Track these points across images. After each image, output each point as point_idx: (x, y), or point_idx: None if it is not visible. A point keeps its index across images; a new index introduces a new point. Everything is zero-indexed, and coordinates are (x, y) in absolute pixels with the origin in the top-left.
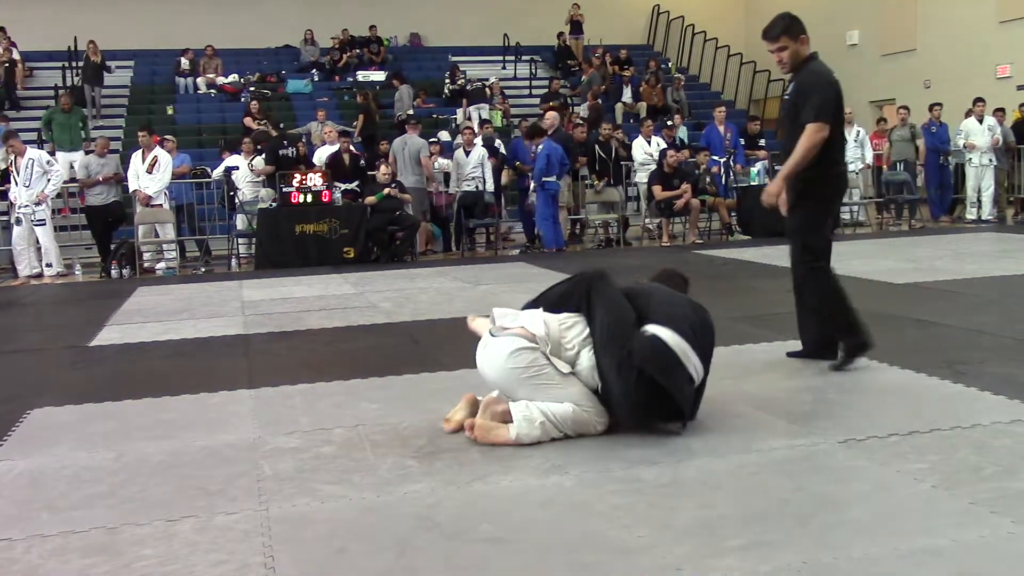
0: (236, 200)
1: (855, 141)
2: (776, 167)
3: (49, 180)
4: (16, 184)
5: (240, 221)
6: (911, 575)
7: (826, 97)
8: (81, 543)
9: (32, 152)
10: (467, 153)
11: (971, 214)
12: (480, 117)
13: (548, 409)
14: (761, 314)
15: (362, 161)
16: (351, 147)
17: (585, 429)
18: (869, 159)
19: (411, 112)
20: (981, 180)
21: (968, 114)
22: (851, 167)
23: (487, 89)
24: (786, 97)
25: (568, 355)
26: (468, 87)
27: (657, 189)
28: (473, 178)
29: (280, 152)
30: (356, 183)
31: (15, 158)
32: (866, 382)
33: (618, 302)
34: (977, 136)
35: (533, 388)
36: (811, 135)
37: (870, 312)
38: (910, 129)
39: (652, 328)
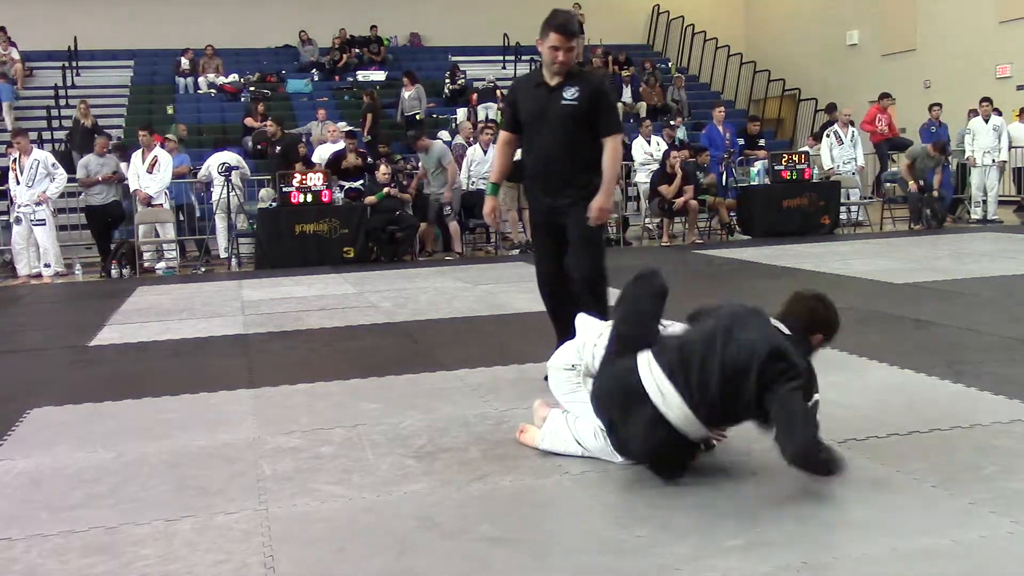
0: (236, 199)
1: (850, 142)
2: (776, 166)
3: (52, 180)
4: (18, 183)
5: (240, 220)
6: (911, 575)
7: (617, 109)
8: (81, 543)
9: (38, 153)
10: (484, 151)
11: (976, 214)
12: (488, 116)
13: (582, 440)
14: None
15: (370, 159)
16: (356, 147)
17: (613, 457)
18: (861, 161)
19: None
20: (986, 180)
21: (971, 114)
22: (847, 167)
23: (498, 91)
24: (568, 101)
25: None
26: (477, 86)
27: (664, 188)
28: (485, 177)
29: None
30: (361, 181)
31: (19, 156)
32: (866, 382)
33: (640, 301)
34: (982, 136)
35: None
36: (618, 146)
37: (870, 312)
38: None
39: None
